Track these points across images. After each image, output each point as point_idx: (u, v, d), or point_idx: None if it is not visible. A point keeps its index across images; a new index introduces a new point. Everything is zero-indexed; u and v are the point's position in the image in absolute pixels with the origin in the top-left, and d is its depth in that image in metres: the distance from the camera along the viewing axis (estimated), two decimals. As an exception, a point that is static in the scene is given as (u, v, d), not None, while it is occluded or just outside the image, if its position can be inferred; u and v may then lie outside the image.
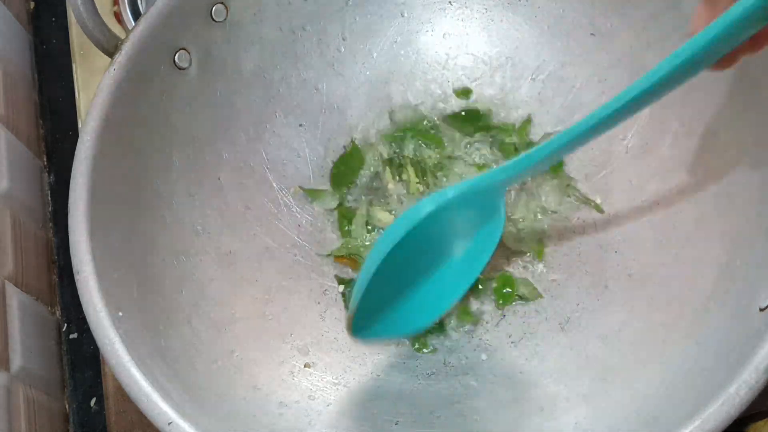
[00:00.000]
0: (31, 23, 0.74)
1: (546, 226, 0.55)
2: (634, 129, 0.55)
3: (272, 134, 0.58)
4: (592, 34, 0.57)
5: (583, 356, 0.50)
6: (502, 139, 0.58)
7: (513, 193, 0.56)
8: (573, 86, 0.58)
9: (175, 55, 0.52)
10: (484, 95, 0.60)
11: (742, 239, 0.47)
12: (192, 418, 0.40)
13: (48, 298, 0.63)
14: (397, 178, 0.58)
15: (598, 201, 0.55)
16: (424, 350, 0.52)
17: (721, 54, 0.37)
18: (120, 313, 0.43)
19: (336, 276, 0.55)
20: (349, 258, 0.56)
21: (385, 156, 0.58)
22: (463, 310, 0.53)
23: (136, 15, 0.65)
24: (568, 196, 0.56)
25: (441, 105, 0.60)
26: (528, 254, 0.55)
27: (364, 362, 0.52)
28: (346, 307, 0.54)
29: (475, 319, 0.53)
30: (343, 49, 0.59)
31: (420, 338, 0.53)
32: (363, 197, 0.58)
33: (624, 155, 0.56)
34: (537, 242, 0.55)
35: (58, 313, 0.63)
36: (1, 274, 0.57)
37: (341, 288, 0.55)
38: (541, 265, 0.55)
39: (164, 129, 0.52)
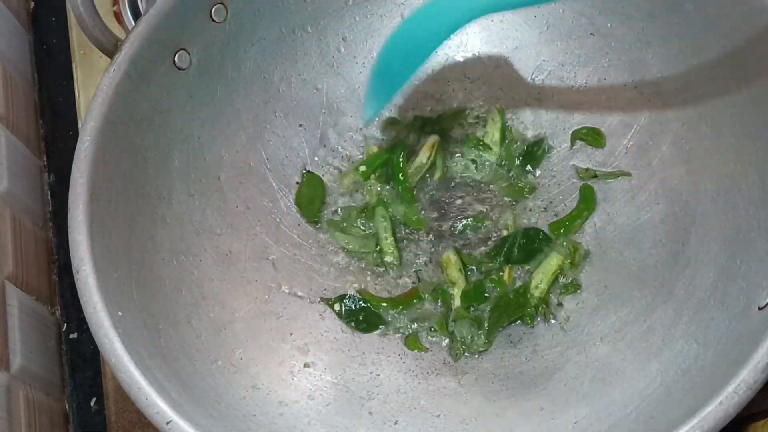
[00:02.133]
0: (31, 23, 0.74)
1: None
2: (635, 129, 0.55)
3: (272, 134, 0.58)
4: (591, 34, 0.57)
5: (583, 356, 0.50)
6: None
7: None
8: (572, 86, 0.58)
9: (175, 55, 0.52)
10: (483, 95, 0.60)
11: (742, 239, 0.47)
12: (191, 417, 0.40)
13: (48, 298, 0.63)
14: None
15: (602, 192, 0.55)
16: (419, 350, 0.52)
17: None
18: (119, 313, 0.43)
19: (322, 298, 0.54)
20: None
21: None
22: (461, 314, 0.53)
23: (136, 15, 0.65)
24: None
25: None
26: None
27: (364, 362, 0.52)
28: (345, 319, 0.54)
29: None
30: (343, 49, 0.59)
31: (412, 338, 0.53)
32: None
33: (624, 155, 0.56)
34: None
35: (58, 313, 0.63)
36: (1, 274, 0.57)
37: (337, 308, 0.54)
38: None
39: (164, 129, 0.52)
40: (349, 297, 0.54)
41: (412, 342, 0.53)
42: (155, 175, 0.51)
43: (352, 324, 0.53)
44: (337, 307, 0.54)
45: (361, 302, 0.54)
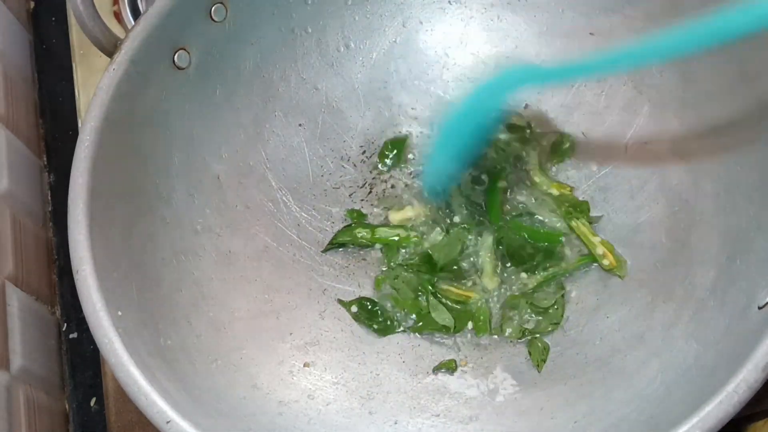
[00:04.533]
0: (31, 23, 0.74)
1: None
2: (634, 128, 0.55)
3: (271, 133, 0.58)
4: (591, 33, 0.57)
5: (583, 356, 0.50)
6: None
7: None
8: (572, 86, 0.58)
9: (174, 55, 0.52)
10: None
11: (742, 239, 0.47)
12: (191, 417, 0.40)
13: (48, 298, 0.63)
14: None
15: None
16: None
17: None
18: (119, 312, 0.43)
19: (339, 300, 0.54)
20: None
21: None
22: (464, 314, 0.53)
23: (136, 15, 0.65)
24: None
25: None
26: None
27: (364, 361, 0.52)
28: (363, 321, 0.54)
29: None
30: (342, 49, 0.59)
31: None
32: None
33: (624, 155, 0.56)
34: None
35: (58, 313, 0.63)
36: (1, 274, 0.57)
37: (354, 309, 0.54)
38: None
39: (164, 129, 0.52)
40: (367, 299, 0.54)
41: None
42: (155, 175, 0.51)
43: (372, 326, 0.53)
44: (354, 308, 0.54)
45: (377, 305, 0.54)
